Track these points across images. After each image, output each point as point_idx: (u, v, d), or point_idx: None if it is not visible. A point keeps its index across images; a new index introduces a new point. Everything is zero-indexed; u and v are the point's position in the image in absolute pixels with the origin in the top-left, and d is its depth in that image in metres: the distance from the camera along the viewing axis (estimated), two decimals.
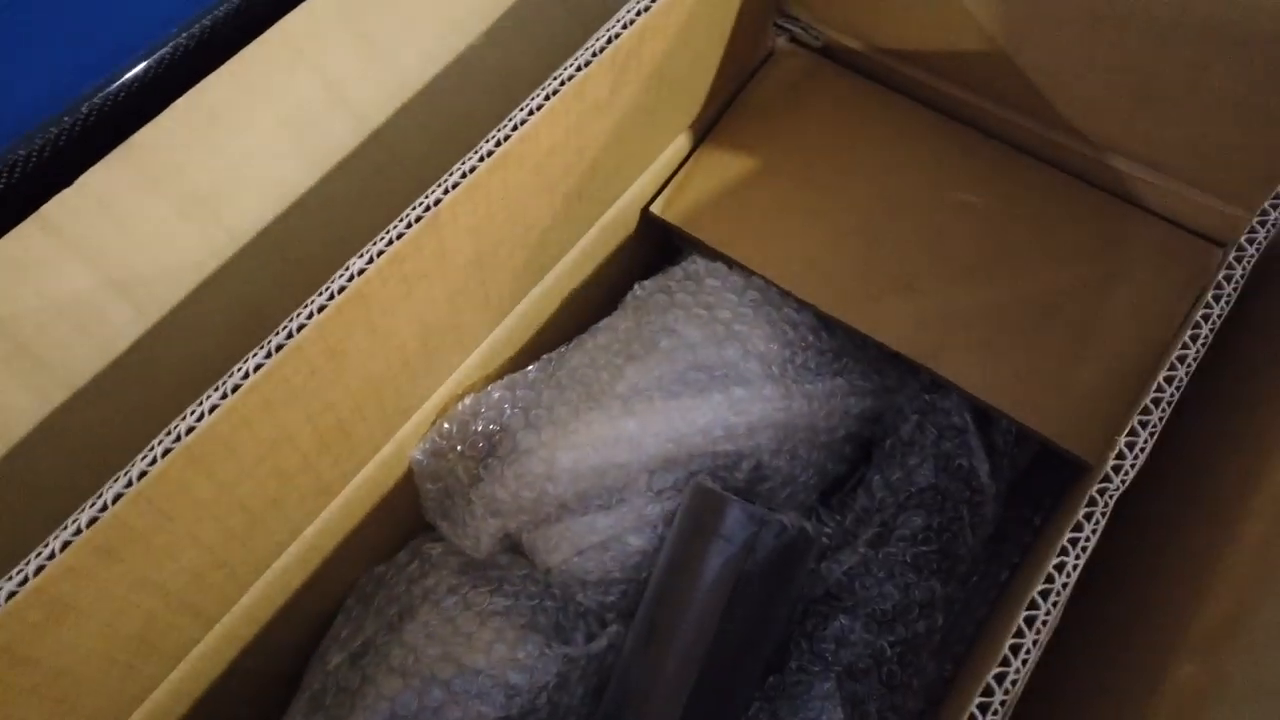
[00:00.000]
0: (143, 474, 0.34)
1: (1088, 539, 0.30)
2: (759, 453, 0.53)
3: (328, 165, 0.50)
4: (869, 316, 0.54)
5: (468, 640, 0.49)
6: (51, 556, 0.32)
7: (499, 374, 0.55)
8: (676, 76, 0.53)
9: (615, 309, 0.58)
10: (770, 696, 0.48)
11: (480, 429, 0.51)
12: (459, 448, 0.52)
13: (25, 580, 0.32)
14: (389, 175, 0.53)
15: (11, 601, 0.32)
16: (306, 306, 0.37)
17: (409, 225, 0.39)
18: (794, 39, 0.64)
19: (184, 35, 0.55)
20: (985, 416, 0.54)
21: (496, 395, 0.52)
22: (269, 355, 0.36)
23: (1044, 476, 0.57)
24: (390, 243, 0.38)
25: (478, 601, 0.51)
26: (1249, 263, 0.38)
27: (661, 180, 0.60)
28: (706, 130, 0.62)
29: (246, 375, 0.36)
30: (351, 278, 0.38)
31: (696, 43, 0.53)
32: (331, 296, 0.37)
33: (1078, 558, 0.30)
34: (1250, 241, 0.38)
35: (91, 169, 0.43)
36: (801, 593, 0.51)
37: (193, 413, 0.35)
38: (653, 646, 0.49)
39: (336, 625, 0.52)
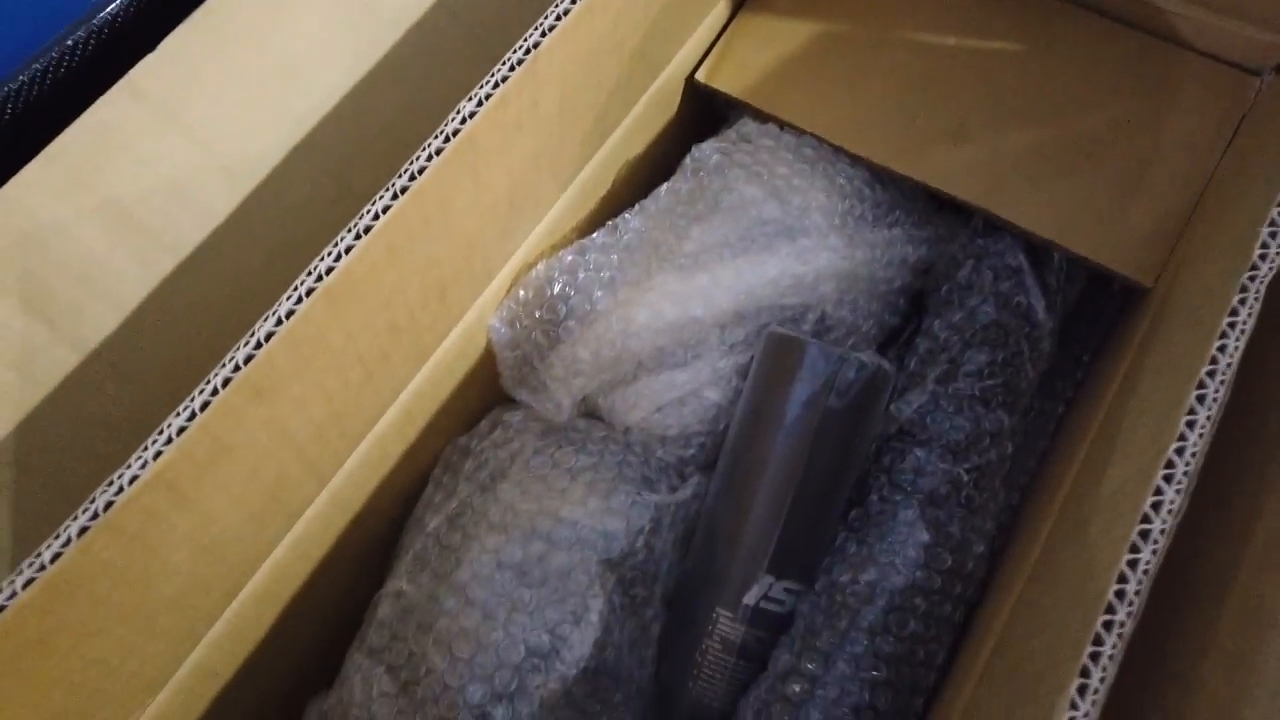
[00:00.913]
0: (290, 313, 0.35)
1: (1244, 322, 0.31)
2: (823, 303, 0.55)
3: (398, 31, 0.50)
4: (922, 165, 0.56)
5: (562, 494, 0.51)
6: (215, 392, 0.33)
7: (565, 243, 0.55)
8: None
9: (666, 178, 0.59)
10: (855, 527, 0.51)
11: (556, 291, 0.52)
12: (536, 313, 0.53)
13: (193, 416, 0.33)
14: (457, 40, 0.53)
15: (183, 437, 0.33)
16: (425, 149, 0.38)
17: (511, 69, 0.39)
18: None
19: None
20: (1037, 257, 0.56)
21: (569, 259, 0.53)
22: (395, 197, 0.37)
23: (1090, 319, 0.60)
24: (496, 85, 0.39)
25: (564, 460, 0.52)
26: None
27: (703, 49, 0.61)
28: None
29: (376, 216, 0.36)
30: (464, 120, 0.38)
31: None
32: (447, 140, 0.38)
33: (1238, 339, 0.30)
34: None
35: (172, 33, 0.43)
36: (876, 431, 0.53)
37: (330, 253, 0.36)
38: (738, 487, 0.51)
39: (428, 493, 0.53)
